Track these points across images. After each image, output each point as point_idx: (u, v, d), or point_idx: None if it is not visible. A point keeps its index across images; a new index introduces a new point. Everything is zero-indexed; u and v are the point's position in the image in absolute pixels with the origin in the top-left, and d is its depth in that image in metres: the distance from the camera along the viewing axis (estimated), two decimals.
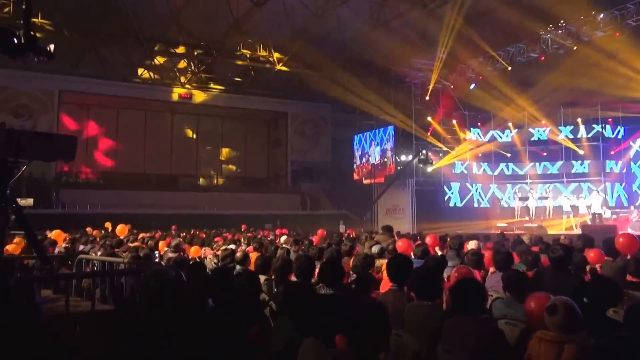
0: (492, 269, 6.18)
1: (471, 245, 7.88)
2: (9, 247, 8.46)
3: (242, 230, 18.79)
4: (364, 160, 27.17)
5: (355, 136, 27.92)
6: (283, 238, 12.77)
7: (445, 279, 5.57)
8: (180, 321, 2.92)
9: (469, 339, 3.56)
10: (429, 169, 23.74)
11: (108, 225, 15.60)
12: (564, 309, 3.18)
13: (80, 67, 25.60)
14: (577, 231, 16.36)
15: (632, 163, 21.42)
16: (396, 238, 10.29)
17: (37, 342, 2.44)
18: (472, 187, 24.82)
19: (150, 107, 29.66)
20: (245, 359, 2.30)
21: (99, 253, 8.44)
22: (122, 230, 13.23)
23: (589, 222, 17.88)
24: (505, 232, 14.45)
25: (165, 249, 9.51)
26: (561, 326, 3.18)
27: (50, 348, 1.73)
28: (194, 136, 32.51)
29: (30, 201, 18.51)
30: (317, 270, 5.16)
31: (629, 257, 5.91)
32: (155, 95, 27.99)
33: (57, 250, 9.21)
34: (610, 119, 21.50)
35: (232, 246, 9.36)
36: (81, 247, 9.87)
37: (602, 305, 3.35)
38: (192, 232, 16.95)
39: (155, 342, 3.15)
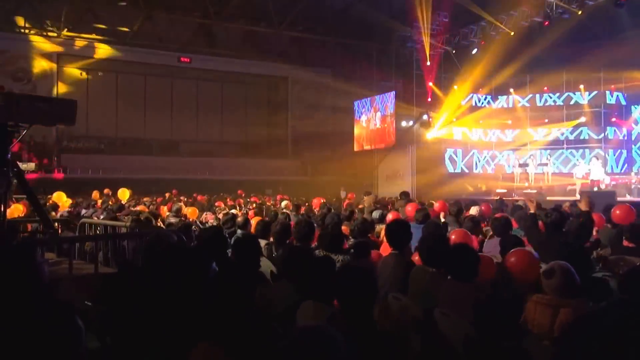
0: (489, 234, 6.25)
1: (472, 211, 7.93)
2: (12, 211, 8.54)
3: (241, 195, 18.86)
4: (364, 126, 27.04)
5: (356, 102, 27.73)
6: (284, 203, 12.86)
7: None
8: (183, 284, 2.97)
9: (467, 303, 3.62)
10: (429, 135, 23.66)
11: (107, 191, 15.66)
12: (560, 273, 3.23)
13: (79, 29, 25.31)
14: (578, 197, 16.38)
15: (633, 128, 21.32)
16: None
17: (40, 301, 2.48)
18: (472, 153, 24.78)
19: (150, 71, 29.37)
20: (248, 321, 2.34)
21: (101, 217, 8.51)
22: (123, 194, 13.30)
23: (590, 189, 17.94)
24: (504, 198, 14.52)
25: (167, 213, 9.59)
26: (557, 290, 3.23)
27: (54, 307, 1.77)
28: (194, 101, 32.30)
29: (31, 165, 18.56)
30: (316, 234, 5.22)
31: None
32: (155, 59, 27.69)
33: (59, 214, 9.28)
34: (613, 86, 21.30)
35: (233, 211, 9.43)
36: (83, 212, 9.95)
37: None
38: (193, 195, 17.05)
39: (158, 304, 3.21)
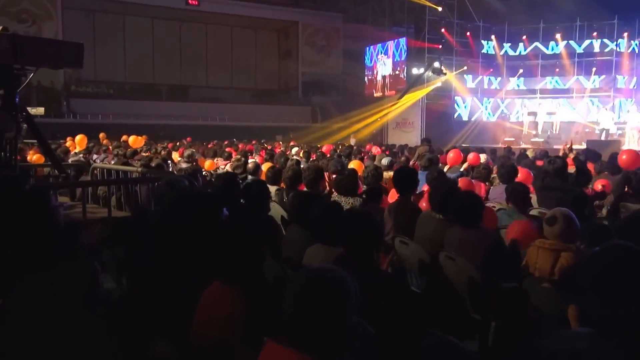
0: (496, 181, 6.33)
1: (482, 158, 7.96)
2: (27, 156, 8.67)
3: (253, 142, 18.93)
4: (375, 72, 26.69)
5: (367, 48, 27.27)
6: (294, 150, 12.93)
7: None
8: (196, 228, 3.05)
9: (471, 246, 3.72)
10: (440, 82, 23.36)
11: (125, 138, 15.73)
12: (562, 220, 3.30)
13: None
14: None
15: None
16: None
17: (57, 244, 2.56)
18: (482, 101, 24.53)
19: (158, 14, 28.89)
20: (260, 264, 2.44)
21: (112, 162, 8.62)
22: (136, 141, 13.35)
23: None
24: (511, 147, 14.50)
25: (179, 159, 9.68)
26: (559, 235, 3.30)
27: (70, 247, 1.84)
28: (203, 46, 31.88)
29: (40, 110, 18.60)
30: (326, 180, 5.29)
31: None
32: (162, 2, 27.19)
33: (71, 159, 9.40)
34: (626, 32, 20.72)
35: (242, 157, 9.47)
36: (95, 157, 10.07)
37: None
38: (204, 144, 17.13)
39: (172, 247, 3.32)
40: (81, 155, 10.00)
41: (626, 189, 5.22)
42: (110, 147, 12.56)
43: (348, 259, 2.85)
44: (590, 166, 7.04)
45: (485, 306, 3.55)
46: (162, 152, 11.06)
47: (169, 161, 8.70)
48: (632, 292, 1.72)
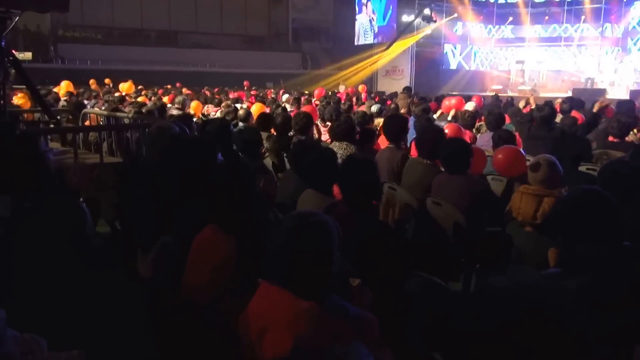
0: (483, 129, 6.39)
1: (468, 106, 7.97)
2: (15, 100, 8.58)
3: (245, 88, 18.75)
4: (365, 19, 26.18)
5: None
6: (284, 96, 12.87)
7: None
8: (189, 173, 3.08)
9: (458, 192, 3.82)
10: (430, 30, 23.05)
11: (108, 81, 15.52)
12: (546, 166, 3.39)
13: None
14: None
15: (632, 25, 20.64)
16: (415, 99, 10.58)
17: (47, 187, 2.57)
18: (471, 49, 24.28)
19: None
20: (255, 208, 2.48)
21: (103, 108, 8.56)
22: (128, 87, 13.16)
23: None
24: (499, 95, 14.54)
25: (169, 105, 9.62)
26: (543, 181, 3.40)
27: (59, 192, 1.84)
28: None
29: (28, 55, 18.23)
30: (316, 127, 5.32)
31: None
32: None
33: (61, 104, 9.32)
34: None
35: (237, 105, 9.43)
36: (85, 102, 9.97)
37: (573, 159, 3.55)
38: (194, 89, 16.94)
39: (165, 192, 3.37)
40: (64, 99, 9.86)
41: (609, 138, 5.33)
42: (101, 94, 12.41)
43: (344, 206, 2.90)
44: (575, 114, 7.11)
45: (469, 250, 3.69)
46: (153, 98, 10.96)
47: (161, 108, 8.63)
48: (593, 232, 1.85)
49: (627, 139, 5.53)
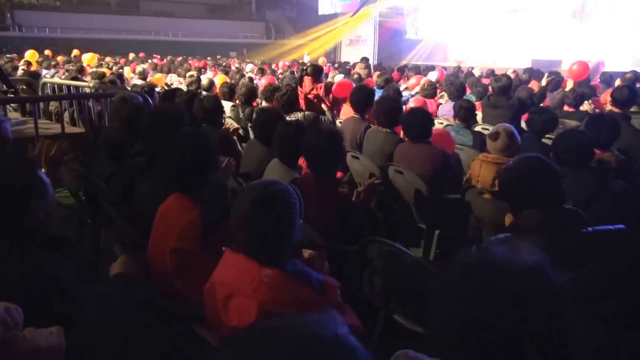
0: (444, 98, 6.50)
1: (431, 76, 8.07)
2: None
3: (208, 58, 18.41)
4: None
5: None
6: (249, 67, 12.73)
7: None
8: (153, 141, 3.05)
9: (419, 160, 3.90)
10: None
11: (76, 53, 14.98)
12: (505, 135, 3.49)
13: None
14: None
15: None
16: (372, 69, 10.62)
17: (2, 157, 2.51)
18: (435, 19, 24.24)
19: None
20: (212, 175, 2.49)
21: (63, 78, 8.34)
22: (90, 59, 12.71)
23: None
24: (460, 65, 14.70)
25: (131, 75, 9.42)
26: (501, 150, 3.52)
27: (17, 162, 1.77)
28: None
29: None
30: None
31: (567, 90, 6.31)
32: None
33: (19, 73, 9.02)
34: None
35: (196, 74, 9.30)
36: (44, 72, 9.68)
37: (539, 130, 3.66)
38: (156, 57, 16.58)
39: (129, 159, 3.36)
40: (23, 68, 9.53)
41: (565, 108, 5.50)
42: (61, 63, 12.03)
43: (310, 175, 2.93)
44: (534, 84, 7.29)
45: (430, 216, 3.79)
46: (114, 68, 10.70)
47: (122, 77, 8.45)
48: (536, 197, 1.96)
49: (582, 108, 5.72)
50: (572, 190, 2.56)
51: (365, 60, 13.10)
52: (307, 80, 6.10)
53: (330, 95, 6.04)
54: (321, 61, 17.83)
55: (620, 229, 1.98)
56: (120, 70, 10.12)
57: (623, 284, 1.85)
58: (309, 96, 5.99)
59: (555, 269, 1.03)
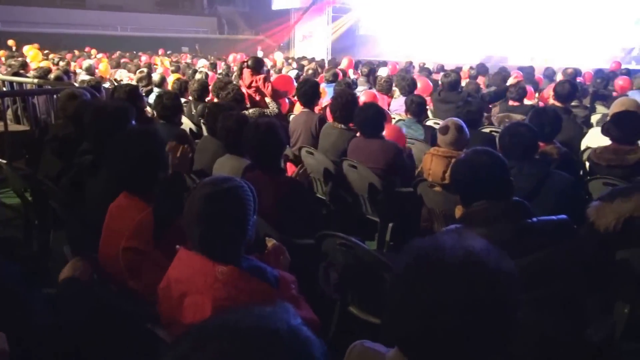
0: (396, 94, 6.60)
1: (382, 72, 8.17)
2: None
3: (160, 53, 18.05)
4: None
5: None
6: (201, 62, 12.58)
7: None
8: (99, 139, 2.99)
9: (372, 155, 3.96)
10: None
11: (12, 43, 14.40)
12: (454, 129, 3.59)
13: None
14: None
15: None
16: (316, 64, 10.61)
17: None
18: (387, 15, 24.47)
19: None
20: (164, 174, 2.45)
21: (4, 74, 8.02)
22: (34, 56, 12.20)
23: None
24: (412, 61, 14.93)
25: (78, 70, 9.15)
26: (451, 143, 3.61)
27: None
28: None
29: None
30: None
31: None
32: None
33: None
34: None
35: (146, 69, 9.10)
36: None
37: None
38: (105, 54, 16.14)
39: (77, 159, 3.27)
40: None
41: (510, 102, 5.70)
42: (3, 59, 11.55)
43: (256, 167, 2.98)
44: (481, 79, 7.51)
45: (383, 209, 3.86)
46: (61, 63, 10.36)
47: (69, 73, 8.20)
48: (485, 189, 2.04)
49: (528, 102, 5.92)
50: (517, 182, 2.64)
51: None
52: (246, 72, 6.05)
53: (269, 86, 5.98)
54: (277, 56, 17.76)
55: (563, 219, 2.05)
56: (67, 66, 9.81)
57: (563, 270, 1.95)
58: (249, 90, 5.94)
59: (503, 256, 1.07)
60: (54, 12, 24.40)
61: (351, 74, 9.10)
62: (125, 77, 9.02)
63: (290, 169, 4.67)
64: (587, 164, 3.94)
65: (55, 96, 5.27)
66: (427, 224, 3.57)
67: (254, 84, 5.96)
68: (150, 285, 1.90)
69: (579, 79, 8.32)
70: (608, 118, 4.02)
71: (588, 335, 2.28)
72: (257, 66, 6.13)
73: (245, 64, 6.18)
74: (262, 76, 6.05)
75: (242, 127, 3.28)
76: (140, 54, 17.15)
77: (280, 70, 9.63)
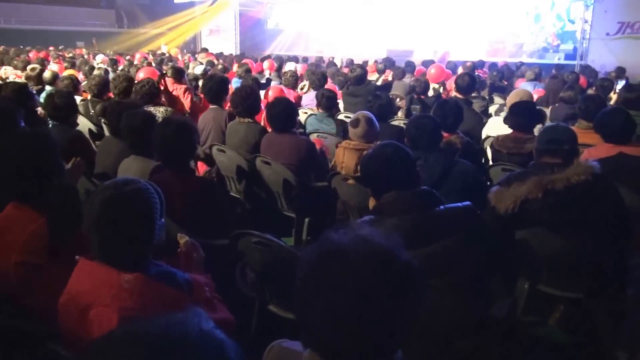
0: (306, 88, 6.63)
1: (290, 67, 8.19)
2: None
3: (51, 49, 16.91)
4: None
5: None
6: (99, 57, 11.98)
7: (263, 97, 5.84)
8: None
9: (285, 150, 3.93)
10: None
11: None
12: (364, 122, 3.64)
13: None
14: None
15: None
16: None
17: None
18: (295, 9, 24.55)
19: None
20: (61, 178, 2.27)
21: None
22: None
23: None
24: (322, 55, 15.16)
25: None
26: (362, 136, 3.66)
27: None
28: None
29: None
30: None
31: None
32: None
33: None
34: None
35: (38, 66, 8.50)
36: None
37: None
38: None
39: None
40: None
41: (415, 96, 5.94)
42: None
43: (164, 168, 2.85)
44: (388, 73, 7.73)
45: (299, 205, 3.85)
46: None
47: None
48: (393, 180, 2.12)
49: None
50: (425, 171, 2.74)
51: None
52: (168, 80, 5.96)
53: (188, 97, 5.92)
54: (174, 52, 17.24)
55: (467, 205, 2.15)
56: None
57: (468, 254, 2.05)
58: (172, 93, 5.80)
59: (405, 248, 1.08)
60: None
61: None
62: (11, 74, 8.40)
63: (202, 168, 4.55)
64: (489, 151, 4.15)
65: None
66: (343, 217, 3.59)
67: (175, 92, 5.82)
68: (47, 301, 1.74)
69: (477, 72, 8.77)
70: (506, 108, 4.27)
71: (493, 312, 2.42)
72: (177, 75, 6.15)
73: (164, 75, 6.00)
74: (183, 86, 5.99)
75: (148, 126, 3.12)
76: (28, 48, 15.99)
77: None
